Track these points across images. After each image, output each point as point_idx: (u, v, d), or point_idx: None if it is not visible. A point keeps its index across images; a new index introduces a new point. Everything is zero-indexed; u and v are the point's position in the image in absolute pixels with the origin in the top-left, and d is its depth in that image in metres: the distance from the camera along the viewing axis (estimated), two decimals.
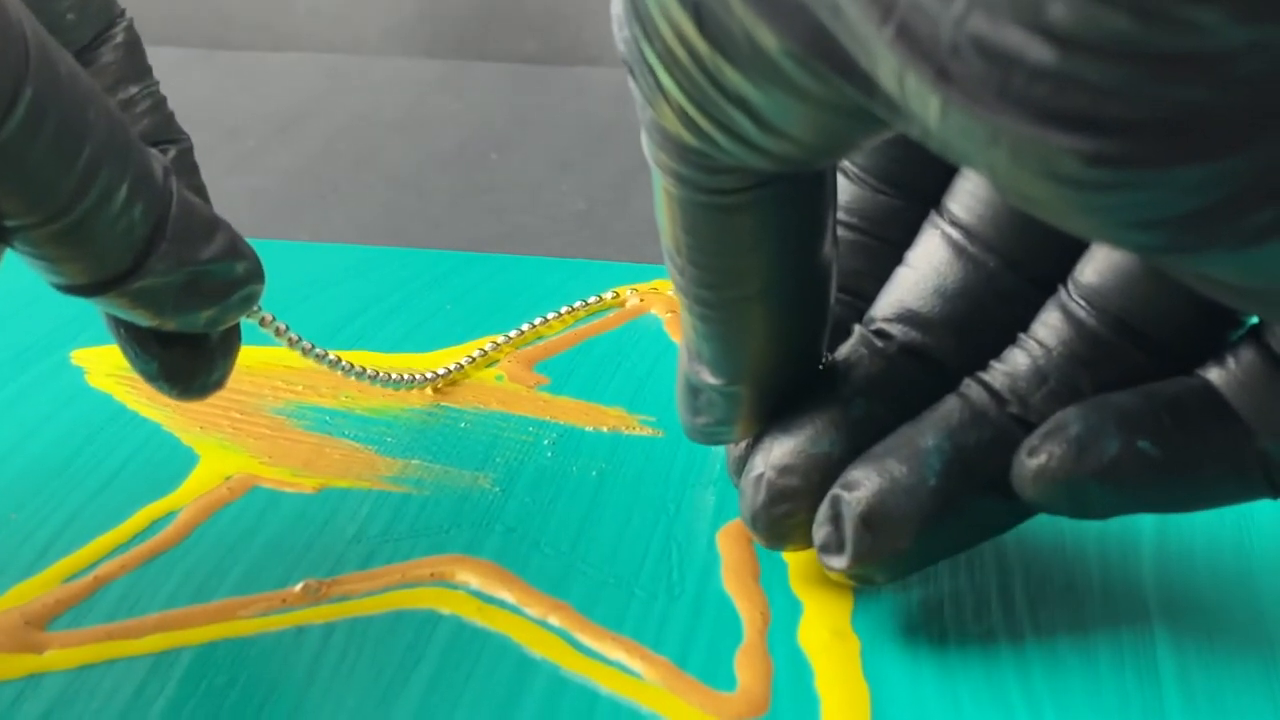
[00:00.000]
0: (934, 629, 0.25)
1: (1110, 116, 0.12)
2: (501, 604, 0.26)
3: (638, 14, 0.17)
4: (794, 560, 0.27)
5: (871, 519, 0.21)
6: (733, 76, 0.16)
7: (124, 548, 0.27)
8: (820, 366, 0.23)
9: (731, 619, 0.26)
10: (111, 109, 0.20)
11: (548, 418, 0.32)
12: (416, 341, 0.36)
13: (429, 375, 0.33)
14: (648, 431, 0.31)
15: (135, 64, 0.24)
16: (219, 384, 0.24)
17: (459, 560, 0.27)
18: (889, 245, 0.24)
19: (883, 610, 0.25)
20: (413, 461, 0.30)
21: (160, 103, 0.24)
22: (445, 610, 0.26)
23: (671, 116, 0.17)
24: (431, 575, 0.27)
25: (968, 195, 0.23)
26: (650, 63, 0.17)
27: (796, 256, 0.21)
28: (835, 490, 0.21)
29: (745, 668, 0.24)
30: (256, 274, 0.23)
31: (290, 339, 0.28)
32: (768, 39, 0.15)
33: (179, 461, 0.30)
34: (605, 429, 0.32)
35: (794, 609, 0.26)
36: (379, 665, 0.24)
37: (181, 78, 0.66)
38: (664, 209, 0.20)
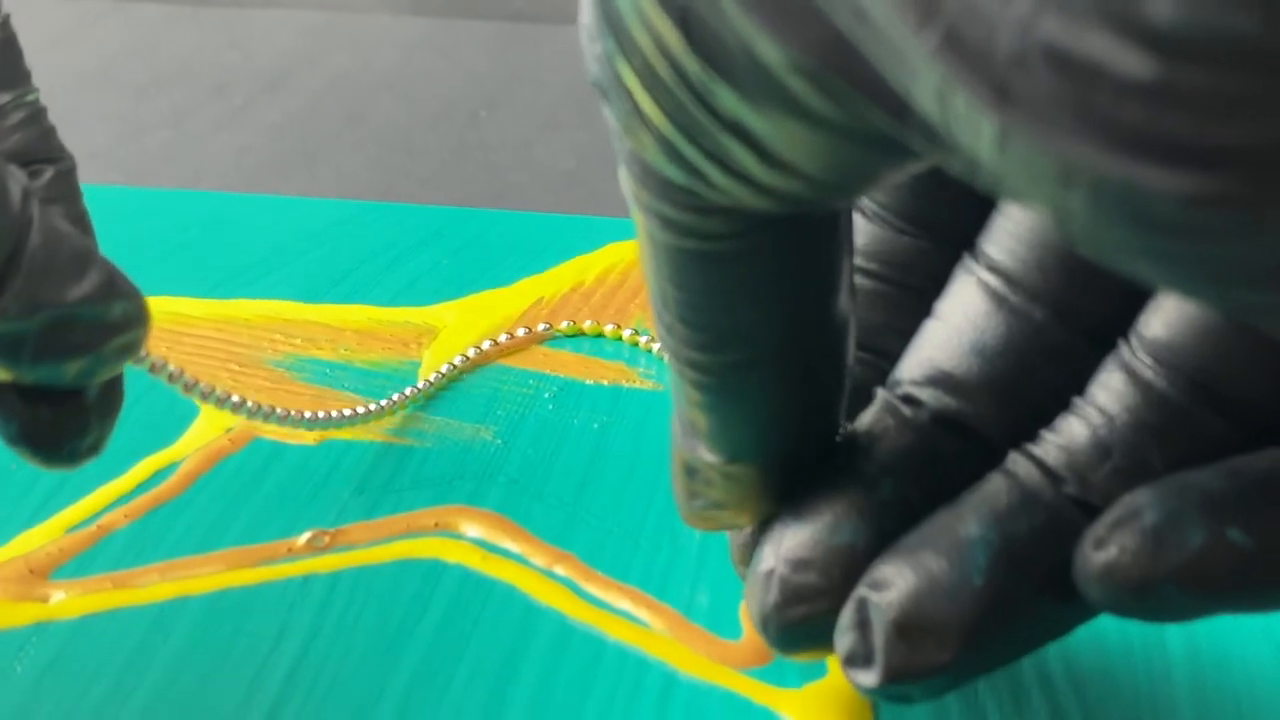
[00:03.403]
0: None
1: (1222, 146, 0.09)
2: (506, 554, 0.26)
3: (611, 25, 0.14)
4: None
5: (907, 626, 0.17)
6: (727, 98, 0.13)
7: (127, 498, 0.27)
8: (838, 439, 0.19)
9: (733, 569, 0.26)
10: None
11: (548, 371, 0.32)
12: (413, 295, 0.35)
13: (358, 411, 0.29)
14: (648, 385, 0.31)
15: (8, 68, 0.21)
16: (94, 449, 0.21)
17: (463, 511, 0.27)
18: (914, 294, 0.20)
19: None
20: (414, 414, 0.30)
21: (37, 114, 0.21)
22: (450, 560, 0.26)
23: (653, 147, 0.15)
24: (436, 525, 0.27)
25: (1008, 235, 0.19)
26: (627, 83, 0.14)
27: (806, 311, 0.17)
28: (862, 590, 0.17)
29: (750, 617, 0.25)
30: (137, 318, 0.20)
31: (185, 384, 0.23)
32: (770, 52, 0.12)
33: (179, 413, 0.30)
34: (605, 382, 0.32)
35: None
36: (385, 614, 0.24)
37: (167, 34, 0.66)
38: (647, 257, 0.16)
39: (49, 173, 0.21)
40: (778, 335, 0.17)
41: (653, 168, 0.15)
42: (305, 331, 0.33)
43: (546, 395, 0.31)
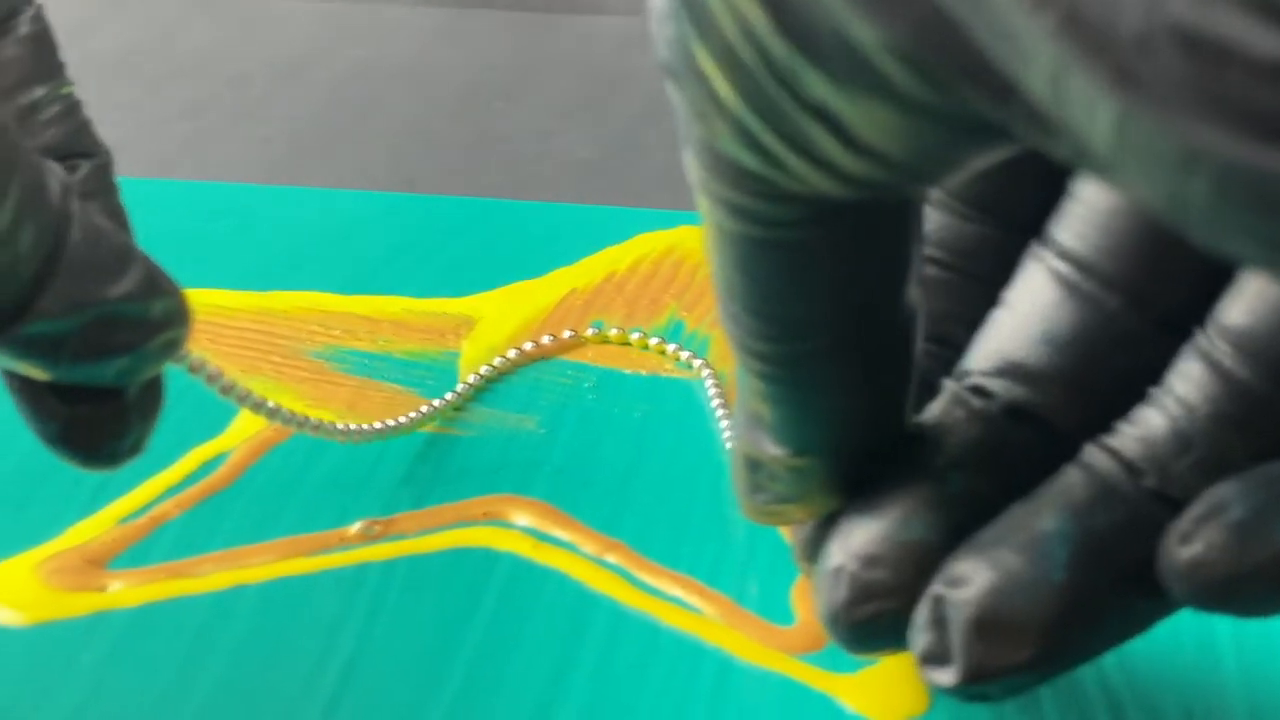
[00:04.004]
0: None
1: None
2: (557, 542, 0.26)
3: (688, 8, 0.14)
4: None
5: (986, 624, 0.17)
6: (814, 82, 0.13)
7: (178, 488, 0.27)
8: (905, 431, 0.19)
9: (784, 556, 0.26)
10: None
11: (587, 361, 0.32)
12: (448, 287, 0.36)
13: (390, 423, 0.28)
14: (687, 375, 0.32)
15: (43, 61, 0.21)
16: (135, 450, 0.20)
17: (511, 500, 0.27)
18: (980, 282, 0.20)
19: None
20: (448, 395, 0.30)
21: (73, 108, 0.21)
22: (501, 548, 0.26)
23: (727, 134, 0.14)
24: (485, 514, 0.27)
25: (1080, 221, 0.19)
26: (702, 68, 0.14)
27: (876, 300, 0.17)
28: (938, 588, 0.17)
29: (802, 603, 0.25)
30: (179, 315, 0.19)
31: (224, 386, 0.23)
32: (866, 33, 0.12)
33: (224, 404, 0.30)
34: (644, 372, 0.32)
35: None
36: (441, 602, 0.25)
37: (183, 26, 0.66)
38: (714, 248, 0.16)
39: (85, 167, 0.21)
40: (847, 325, 0.17)
41: (724, 155, 0.15)
42: (343, 323, 0.33)
43: (586, 385, 0.31)
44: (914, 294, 0.17)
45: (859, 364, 0.17)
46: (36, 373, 0.18)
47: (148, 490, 0.27)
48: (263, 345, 0.32)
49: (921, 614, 0.17)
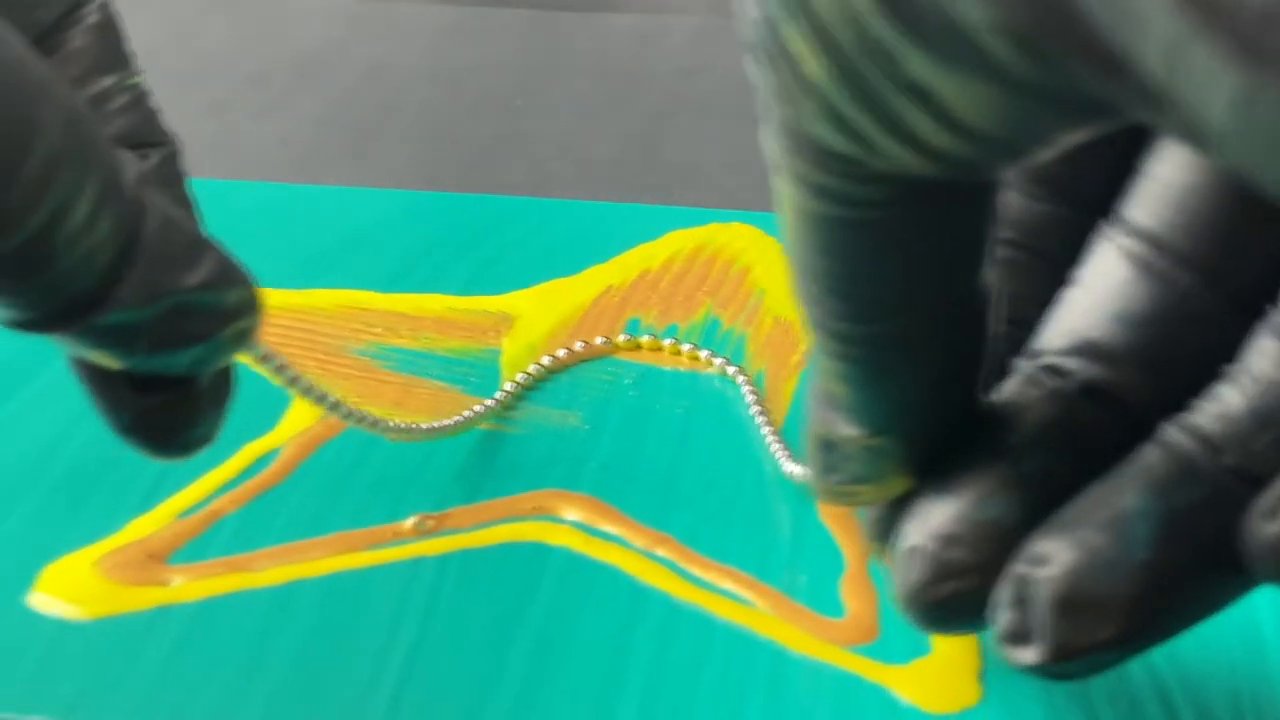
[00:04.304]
0: None
1: None
2: (607, 536, 0.27)
3: None
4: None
5: (1071, 603, 0.17)
6: (915, 62, 0.13)
7: (233, 484, 0.28)
8: (978, 412, 0.19)
9: (831, 549, 0.26)
10: (71, 102, 0.17)
11: (627, 358, 0.33)
12: (485, 284, 0.36)
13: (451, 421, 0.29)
14: (729, 372, 0.32)
15: (110, 50, 0.21)
16: (206, 440, 0.21)
17: (560, 495, 0.28)
18: (1050, 262, 0.20)
19: None
20: (496, 396, 0.31)
21: (141, 98, 0.21)
22: (553, 543, 0.26)
23: (815, 114, 0.14)
24: (535, 509, 0.27)
25: (1153, 200, 0.19)
26: (792, 49, 0.14)
27: (954, 280, 0.17)
28: (1020, 567, 0.17)
29: (852, 596, 0.25)
30: (251, 305, 0.19)
31: (291, 378, 0.23)
32: (973, 11, 0.12)
33: (272, 400, 0.30)
34: (683, 368, 0.32)
35: None
36: (496, 595, 0.25)
37: (202, 24, 0.66)
38: (794, 228, 0.16)
39: (155, 157, 0.21)
40: (925, 305, 0.17)
41: (809, 135, 0.15)
42: (385, 321, 0.34)
43: (627, 382, 0.32)
44: (990, 274, 0.18)
45: (936, 344, 0.18)
46: (111, 362, 0.18)
47: (203, 486, 0.27)
48: (305, 343, 0.32)
49: (1003, 593, 0.17)
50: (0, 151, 0.15)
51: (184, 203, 0.21)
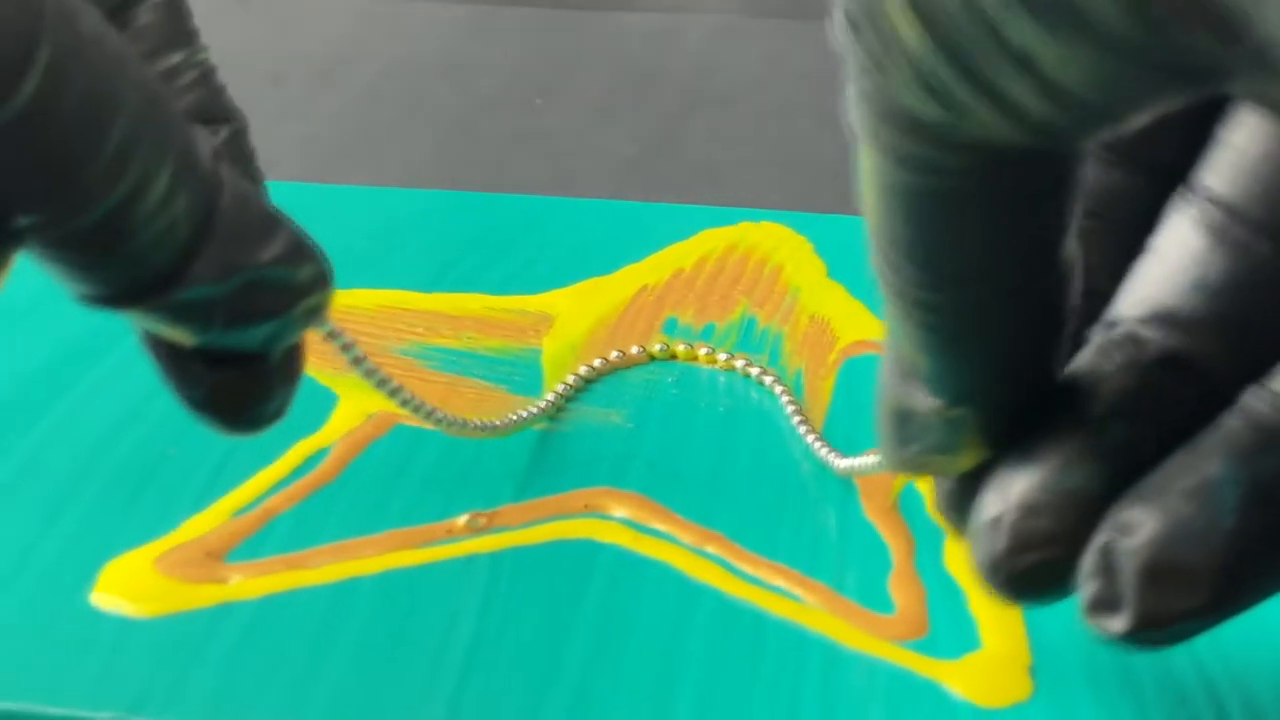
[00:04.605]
0: None
1: None
2: (656, 534, 0.27)
3: None
4: (930, 490, 0.28)
5: (1158, 571, 0.17)
6: (1020, 29, 0.13)
7: (285, 482, 0.28)
8: (1055, 382, 0.19)
9: (878, 546, 0.27)
10: (148, 78, 0.17)
11: (667, 358, 0.33)
12: (522, 284, 0.36)
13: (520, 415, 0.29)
14: (767, 380, 0.32)
15: (177, 26, 0.20)
16: (277, 415, 0.21)
17: (609, 493, 0.28)
18: (1123, 231, 0.20)
19: None
20: (545, 399, 0.31)
21: (209, 74, 0.21)
22: (603, 540, 0.27)
23: (908, 82, 0.14)
24: (585, 507, 0.28)
25: (1230, 166, 0.18)
26: (889, 18, 0.14)
27: (1038, 249, 0.17)
28: (1106, 535, 0.17)
29: (900, 592, 0.26)
30: (324, 280, 0.20)
31: (356, 357, 0.24)
32: None
33: (320, 400, 0.31)
34: (722, 367, 0.33)
35: (936, 536, 0.27)
36: (550, 591, 0.25)
37: (217, 23, 0.66)
38: (877, 196, 0.16)
39: (224, 133, 0.20)
40: (1009, 274, 0.17)
41: (900, 104, 0.15)
42: (426, 320, 0.34)
43: (669, 380, 0.32)
44: (1072, 243, 0.18)
45: (1018, 313, 0.18)
46: (187, 338, 0.19)
47: (256, 484, 0.28)
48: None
49: (1089, 562, 0.17)
50: (83, 126, 0.16)
51: (255, 178, 0.21)
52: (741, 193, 0.50)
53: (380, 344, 0.33)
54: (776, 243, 0.39)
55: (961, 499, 0.19)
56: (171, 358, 0.20)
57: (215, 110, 0.20)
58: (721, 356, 0.33)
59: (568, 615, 0.25)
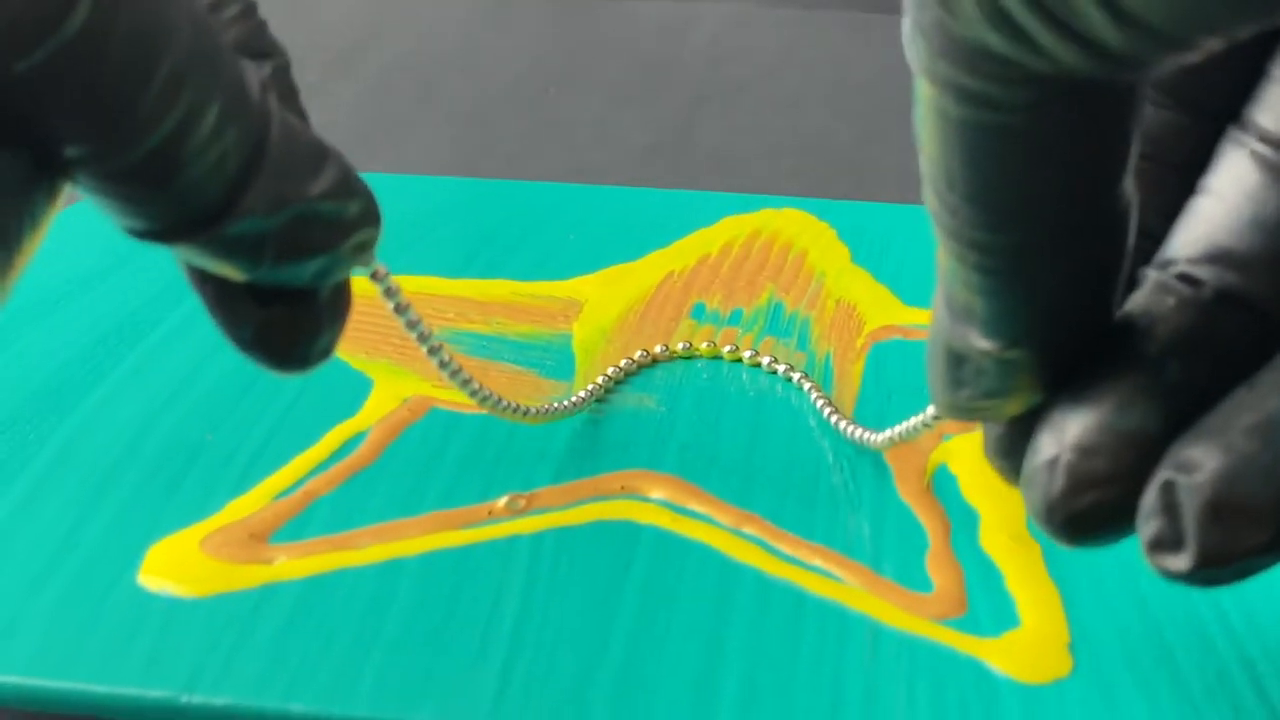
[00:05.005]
0: None
1: None
2: (694, 515, 0.27)
3: None
4: (962, 471, 0.29)
5: (1222, 508, 0.16)
6: None
7: (324, 465, 0.28)
8: (1111, 323, 0.19)
9: (914, 527, 0.27)
10: (197, 10, 0.16)
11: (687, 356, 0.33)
12: (548, 270, 0.37)
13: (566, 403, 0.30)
14: (794, 380, 0.33)
15: None
16: (325, 353, 0.21)
17: (645, 475, 0.28)
18: (1175, 171, 0.20)
19: None
20: (576, 383, 0.31)
21: (251, 8, 0.20)
22: (642, 521, 0.27)
23: (973, 13, 0.14)
24: (622, 488, 0.28)
25: None
26: None
27: (1098, 187, 0.17)
28: (1167, 474, 0.17)
29: (937, 571, 0.26)
30: (373, 215, 0.20)
31: (399, 304, 0.24)
32: None
33: (355, 385, 0.31)
34: (747, 363, 0.33)
35: (971, 517, 0.27)
36: (593, 571, 0.26)
37: None
38: (935, 135, 0.16)
39: (267, 68, 0.20)
40: (1069, 212, 0.17)
41: (966, 37, 0.15)
42: (455, 306, 0.34)
43: (699, 365, 0.32)
44: (1131, 184, 0.17)
45: (1077, 253, 0.17)
46: (237, 273, 0.18)
47: (297, 467, 0.28)
48: (382, 328, 0.33)
49: (1150, 500, 0.17)
50: (133, 55, 0.15)
51: (301, 114, 0.21)
52: (758, 181, 0.50)
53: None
54: (799, 229, 0.39)
55: (1013, 444, 0.19)
56: (220, 296, 0.20)
57: (259, 45, 0.20)
58: (746, 354, 0.33)
59: (611, 594, 0.25)
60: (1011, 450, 0.19)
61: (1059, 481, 0.18)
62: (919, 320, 0.34)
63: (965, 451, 0.29)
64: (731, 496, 0.28)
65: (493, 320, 0.34)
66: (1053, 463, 0.18)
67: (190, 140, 0.16)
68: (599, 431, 0.30)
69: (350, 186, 0.19)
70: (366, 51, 0.65)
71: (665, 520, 0.27)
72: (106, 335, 0.32)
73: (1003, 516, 0.27)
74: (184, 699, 0.22)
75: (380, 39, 0.66)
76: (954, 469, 0.29)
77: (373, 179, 0.24)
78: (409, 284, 0.35)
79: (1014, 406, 0.19)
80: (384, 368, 0.32)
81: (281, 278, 0.19)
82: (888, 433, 0.27)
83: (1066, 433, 0.18)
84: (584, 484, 0.28)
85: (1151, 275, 0.19)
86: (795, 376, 0.32)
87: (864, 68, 0.62)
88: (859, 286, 0.36)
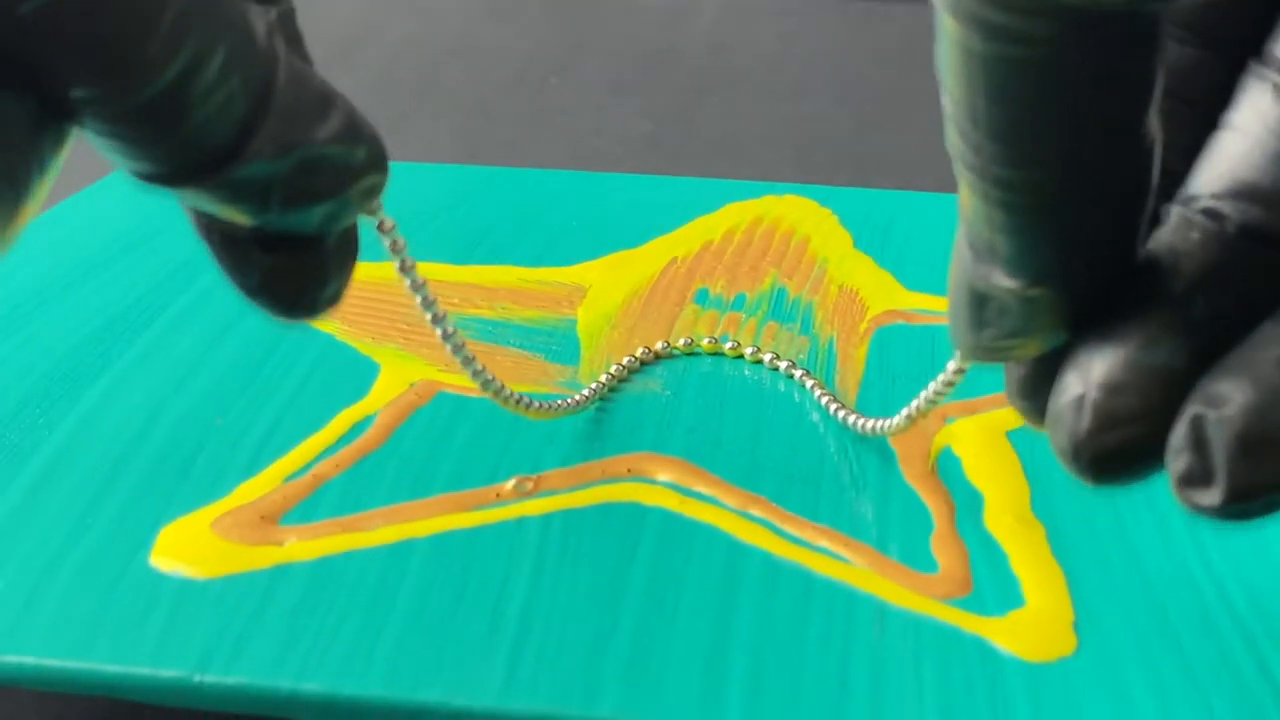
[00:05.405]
0: (1108, 514, 0.27)
1: None
2: (700, 497, 0.27)
3: None
4: (966, 453, 0.29)
5: (1252, 442, 0.16)
6: None
7: (333, 449, 0.28)
8: (1134, 261, 0.19)
9: (918, 508, 0.27)
10: None
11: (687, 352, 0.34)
12: (553, 257, 0.37)
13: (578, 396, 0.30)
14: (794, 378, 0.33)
15: None
16: (333, 300, 0.21)
17: (651, 458, 0.28)
18: (1196, 107, 0.19)
19: (1059, 497, 0.27)
20: (581, 367, 0.32)
21: None
22: (649, 503, 0.27)
23: None
24: (629, 471, 0.28)
25: None
26: None
27: (1122, 124, 0.17)
28: (1196, 409, 0.17)
29: (942, 552, 0.26)
30: (380, 161, 0.19)
31: (404, 262, 0.24)
32: None
33: (362, 370, 0.31)
34: (749, 360, 0.33)
35: (975, 499, 0.27)
36: (600, 552, 0.26)
37: None
38: (958, 72, 0.16)
39: (274, 12, 0.19)
40: (1093, 149, 0.17)
41: None
42: (460, 292, 0.34)
43: (703, 350, 0.33)
44: (1156, 120, 0.17)
45: (1102, 190, 0.17)
46: (244, 219, 0.18)
47: (306, 450, 0.28)
48: (388, 314, 0.33)
49: (1179, 436, 0.17)
50: None
51: (306, 59, 0.20)
52: (758, 168, 0.50)
53: (418, 314, 0.33)
54: (801, 215, 0.39)
55: (1037, 385, 0.19)
56: (227, 244, 0.20)
57: None
58: (748, 350, 0.33)
59: (619, 575, 0.25)
60: (1035, 391, 0.19)
61: (1086, 420, 0.18)
62: (921, 305, 0.35)
63: (969, 434, 0.29)
64: (738, 479, 0.28)
65: (498, 306, 0.34)
66: (1079, 401, 0.18)
67: (197, 82, 0.16)
68: (605, 415, 0.30)
69: (357, 131, 0.19)
70: (369, 40, 0.65)
71: (672, 502, 0.27)
72: (115, 320, 0.33)
73: (1007, 498, 0.27)
74: (197, 679, 0.23)
75: (382, 28, 0.66)
76: (958, 451, 0.29)
77: None
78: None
79: (1038, 346, 0.19)
80: (391, 352, 0.32)
81: (288, 223, 0.19)
82: (891, 420, 0.27)
83: (1092, 371, 0.18)
84: (591, 467, 0.28)
85: (1175, 211, 0.19)
86: (798, 374, 0.32)
87: (865, 55, 0.63)
88: (861, 272, 0.36)
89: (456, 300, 0.34)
